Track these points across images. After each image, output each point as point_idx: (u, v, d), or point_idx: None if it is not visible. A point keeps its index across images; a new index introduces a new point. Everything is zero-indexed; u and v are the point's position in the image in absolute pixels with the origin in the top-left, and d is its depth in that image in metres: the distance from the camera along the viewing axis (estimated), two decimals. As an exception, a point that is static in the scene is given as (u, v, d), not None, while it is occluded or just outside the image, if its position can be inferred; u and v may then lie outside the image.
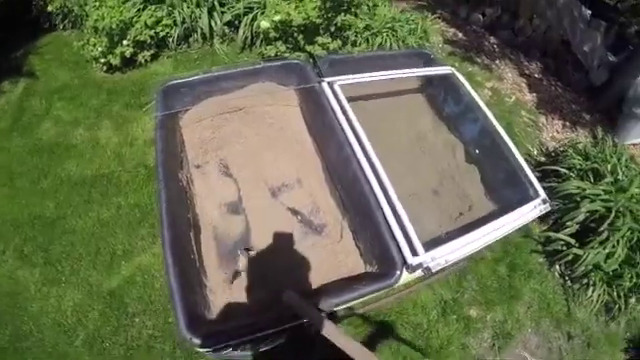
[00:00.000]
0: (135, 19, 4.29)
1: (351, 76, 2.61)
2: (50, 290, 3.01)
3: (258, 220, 2.28)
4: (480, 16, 6.20)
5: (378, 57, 3.09)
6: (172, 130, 2.37)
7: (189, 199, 2.19)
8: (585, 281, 3.41)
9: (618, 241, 3.27)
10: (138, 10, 4.39)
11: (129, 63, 4.46)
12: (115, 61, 4.25)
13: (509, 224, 2.11)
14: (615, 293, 3.29)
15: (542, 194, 2.31)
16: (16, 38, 4.83)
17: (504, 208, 2.32)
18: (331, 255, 2.16)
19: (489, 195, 2.65)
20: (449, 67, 2.95)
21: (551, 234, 3.58)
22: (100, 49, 4.16)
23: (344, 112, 2.37)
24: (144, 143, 3.80)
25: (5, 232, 3.26)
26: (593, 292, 3.34)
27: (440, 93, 3.15)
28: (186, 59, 4.68)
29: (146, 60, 4.47)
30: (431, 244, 1.94)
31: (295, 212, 2.41)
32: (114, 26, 4.01)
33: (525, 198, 2.31)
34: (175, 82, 2.39)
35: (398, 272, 1.83)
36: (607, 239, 3.29)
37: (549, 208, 2.29)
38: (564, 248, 3.52)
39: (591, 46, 5.25)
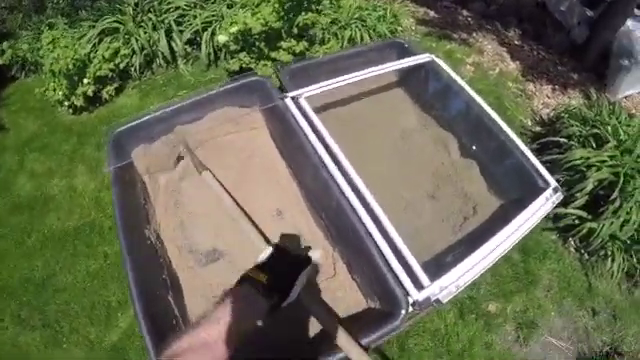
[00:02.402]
0: (92, 55, 4.15)
1: (317, 85, 2.33)
2: (53, 352, 2.93)
3: (241, 263, 2.07)
4: (450, -9, 6.04)
5: (346, 56, 2.78)
6: (131, 182, 2.15)
7: (162, 256, 1.98)
8: (603, 253, 3.29)
9: (631, 207, 3.13)
10: (93, 45, 4.26)
11: (94, 101, 4.31)
12: (79, 102, 4.09)
13: (522, 226, 1.88)
14: (635, 259, 3.17)
15: (552, 182, 2.08)
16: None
17: (514, 207, 2.07)
18: (327, 292, 1.93)
19: (494, 192, 2.38)
20: (427, 54, 2.69)
21: (561, 209, 3.40)
22: (61, 92, 4.01)
23: (314, 129, 2.09)
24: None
25: None
26: (612, 263, 3.21)
27: (422, 84, 2.86)
28: (152, 86, 4.54)
29: (111, 95, 4.32)
30: (437, 270, 1.67)
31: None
32: (71, 66, 3.84)
33: (535, 190, 2.08)
34: (124, 127, 2.15)
35: (403, 312, 1.57)
36: (620, 206, 3.15)
37: (562, 197, 2.07)
38: (576, 222, 3.37)
39: (567, 4, 5.17)
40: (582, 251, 3.44)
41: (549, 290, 3.26)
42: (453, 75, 2.60)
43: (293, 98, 2.24)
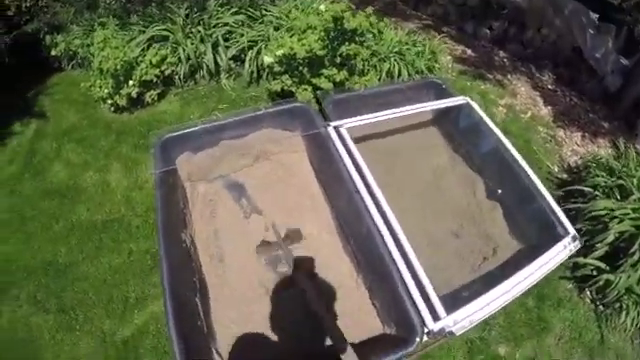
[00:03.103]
0: (140, 58, 4.30)
1: (358, 117, 2.47)
2: (64, 337, 2.95)
3: (269, 278, 2.16)
4: (487, 30, 6.13)
5: (386, 92, 2.94)
6: (173, 186, 2.28)
7: (195, 261, 2.08)
8: (618, 305, 3.25)
9: (650, 261, 3.08)
10: (142, 49, 4.42)
11: (136, 103, 4.44)
12: (122, 102, 4.24)
13: (538, 271, 1.95)
14: None
15: (571, 231, 2.16)
16: (26, 79, 4.90)
17: (532, 251, 2.15)
18: (346, 314, 2.01)
19: (514, 235, 2.47)
20: (463, 97, 2.82)
21: (580, 259, 3.38)
22: (107, 90, 4.16)
23: (352, 159, 2.23)
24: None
25: (19, 278, 3.24)
26: (627, 316, 3.18)
27: (455, 125, 2.99)
28: (193, 96, 4.65)
29: (153, 99, 4.46)
30: (453, 304, 1.77)
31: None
32: (119, 67, 4.01)
33: (554, 237, 2.15)
34: (173, 134, 2.30)
35: (418, 339, 1.68)
36: (639, 260, 3.11)
37: (579, 245, 2.13)
38: (594, 273, 3.35)
39: (603, 51, 5.15)
40: (597, 302, 3.40)
41: (560, 339, 3.23)
42: (486, 119, 2.70)
43: (335, 127, 2.38)
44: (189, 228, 2.21)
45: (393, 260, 1.85)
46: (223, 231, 2.30)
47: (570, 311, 3.36)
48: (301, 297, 2.16)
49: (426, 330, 1.70)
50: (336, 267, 2.21)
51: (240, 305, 2.05)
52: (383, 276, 1.86)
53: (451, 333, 1.69)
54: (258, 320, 2.11)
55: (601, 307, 3.38)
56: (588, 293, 3.46)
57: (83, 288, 3.18)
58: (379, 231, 1.95)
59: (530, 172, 2.44)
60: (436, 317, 1.72)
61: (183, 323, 1.70)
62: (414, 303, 1.76)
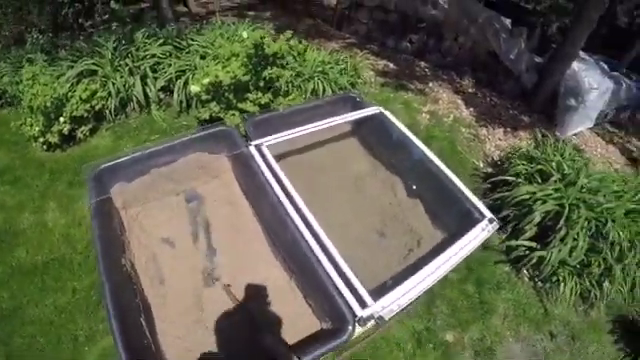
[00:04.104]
0: (70, 94, 4.25)
1: (278, 134, 2.66)
2: None
3: (209, 296, 2.25)
4: (408, 44, 6.50)
5: (304, 109, 3.12)
6: (109, 214, 2.32)
7: (136, 283, 2.12)
8: (555, 279, 3.47)
9: (578, 233, 3.34)
10: (72, 85, 4.36)
11: (68, 140, 4.38)
12: (54, 139, 4.15)
13: (459, 252, 2.15)
14: (587, 282, 3.36)
15: (487, 214, 2.38)
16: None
17: (452, 236, 2.35)
18: (286, 317, 2.16)
19: (436, 226, 2.70)
20: (376, 107, 3.07)
21: (512, 242, 3.65)
22: (37, 128, 4.07)
23: (273, 173, 2.40)
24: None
25: None
26: (565, 287, 3.39)
27: (372, 134, 3.24)
28: (125, 129, 4.64)
29: (85, 135, 4.40)
30: (380, 291, 1.94)
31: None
32: (49, 104, 3.95)
33: (471, 222, 2.36)
34: (106, 165, 2.37)
35: (350, 327, 1.83)
36: (567, 234, 3.36)
37: (497, 226, 2.35)
38: (527, 252, 3.58)
39: (516, 53, 5.58)
40: (535, 279, 3.63)
41: (505, 318, 3.40)
42: (399, 125, 2.97)
43: (256, 145, 2.54)
44: (128, 253, 2.24)
45: (319, 261, 2.02)
46: (161, 254, 2.35)
47: (510, 291, 3.56)
48: (240, 307, 2.27)
49: (357, 317, 1.85)
50: (270, 275, 2.35)
51: (183, 321, 2.11)
52: (312, 277, 2.03)
53: (380, 318, 1.84)
54: (202, 334, 2.17)
55: (539, 283, 3.61)
56: (525, 272, 3.68)
57: (30, 332, 3.07)
58: (303, 236, 2.12)
59: (444, 168, 2.68)
60: (364, 304, 1.89)
61: (130, 341, 1.72)
62: (342, 296, 1.91)
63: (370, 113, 3.04)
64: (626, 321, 3.53)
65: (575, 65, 5.12)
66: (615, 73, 5.48)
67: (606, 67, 5.49)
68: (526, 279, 3.66)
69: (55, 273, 3.39)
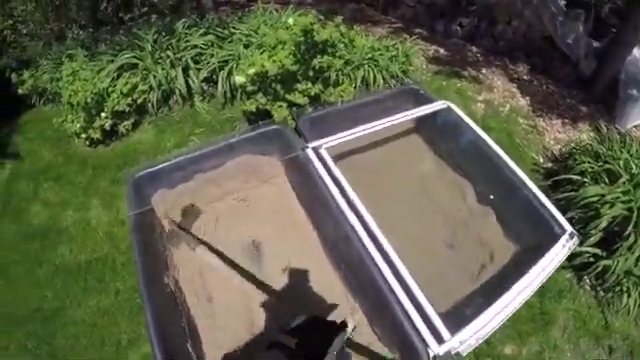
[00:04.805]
0: (110, 89, 4.20)
1: (337, 135, 2.39)
2: None
3: (263, 319, 2.06)
4: (458, 28, 6.17)
5: (364, 104, 2.85)
6: (151, 227, 2.17)
7: (181, 305, 1.97)
8: (618, 289, 3.25)
9: (646, 241, 3.08)
10: (112, 79, 4.32)
11: (111, 135, 4.34)
12: (96, 135, 4.13)
13: (540, 275, 1.87)
14: None
15: (568, 228, 2.10)
16: (-1, 118, 4.76)
17: (530, 254, 2.08)
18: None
19: (510, 238, 2.40)
20: (443, 102, 2.77)
21: (576, 248, 3.35)
22: (79, 124, 4.06)
23: (334, 180, 2.13)
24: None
25: (6, 326, 3.14)
26: (629, 298, 3.18)
27: (438, 131, 2.93)
28: (168, 123, 4.56)
29: (127, 130, 4.35)
30: (457, 322, 1.67)
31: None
32: (89, 100, 3.91)
33: (551, 237, 2.09)
34: (144, 172, 2.21)
35: None
36: (635, 242, 3.12)
37: (578, 242, 2.08)
38: (591, 260, 3.33)
39: (574, 37, 5.21)
40: (598, 289, 3.39)
41: (565, 330, 3.21)
42: (468, 121, 2.65)
43: (314, 149, 2.28)
44: (172, 269, 2.09)
45: (387, 282, 1.75)
46: (208, 269, 2.19)
47: (572, 301, 3.34)
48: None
49: (432, 354, 1.59)
50: (328, 295, 2.10)
51: (234, 346, 1.94)
52: (379, 300, 1.76)
53: (458, 355, 1.59)
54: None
55: (602, 293, 3.37)
56: (587, 280, 3.44)
57: (73, 333, 3.07)
58: (369, 253, 1.85)
59: (519, 171, 2.39)
60: (440, 340, 1.62)
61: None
62: (415, 327, 1.65)
63: (436, 109, 2.75)
64: None
65: (636, 51, 4.71)
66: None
67: None
68: (588, 288, 3.42)
69: (98, 273, 3.37)
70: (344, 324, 1.48)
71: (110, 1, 5.75)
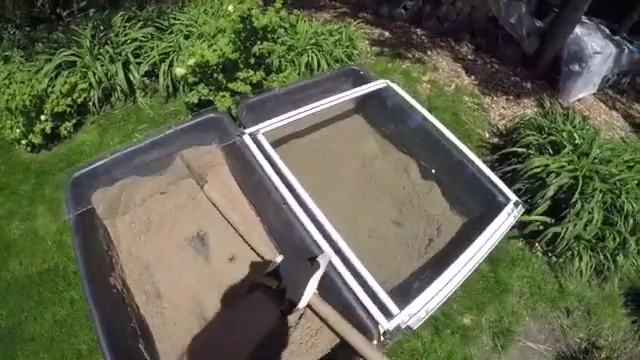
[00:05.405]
0: (49, 89, 4.03)
1: (274, 119, 2.33)
2: None
3: (212, 309, 2.03)
4: (402, 11, 6.20)
5: (303, 87, 2.78)
6: (93, 228, 2.09)
7: (129, 304, 1.91)
8: (570, 254, 3.39)
9: (592, 207, 3.25)
10: (51, 79, 4.15)
11: (52, 138, 4.18)
12: (37, 139, 3.96)
13: (487, 243, 1.91)
14: (602, 256, 3.29)
15: (513, 197, 2.14)
16: None
17: (476, 225, 2.12)
18: (303, 331, 1.90)
19: (456, 211, 2.43)
20: (382, 80, 2.76)
21: (525, 217, 3.50)
22: (19, 130, 3.88)
23: (273, 165, 2.09)
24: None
25: None
26: (580, 262, 3.32)
27: (379, 110, 2.92)
28: (110, 121, 4.43)
29: (69, 131, 4.20)
30: (405, 296, 1.67)
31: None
32: (27, 103, 3.74)
33: (495, 206, 2.13)
34: (82, 172, 2.10)
35: (375, 342, 1.56)
36: (581, 208, 3.27)
37: (523, 210, 2.13)
38: (541, 228, 3.49)
39: (517, 17, 5.33)
40: (550, 254, 3.54)
41: (521, 296, 3.34)
42: (409, 99, 2.66)
43: (251, 134, 2.24)
44: (117, 269, 2.02)
45: (333, 266, 1.74)
46: (154, 265, 2.13)
47: (525, 268, 3.48)
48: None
49: (382, 331, 1.59)
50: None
51: (185, 342, 1.90)
52: (326, 283, 1.74)
53: (409, 328, 1.59)
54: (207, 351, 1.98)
55: (554, 258, 3.52)
56: (539, 247, 3.59)
57: (33, 350, 2.97)
58: (312, 238, 1.83)
59: (462, 145, 2.41)
60: (389, 315, 1.61)
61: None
62: (363, 306, 1.64)
63: (376, 87, 2.74)
64: (639, 293, 3.48)
65: (578, 29, 4.93)
66: (617, 37, 5.29)
67: (608, 31, 5.31)
68: (540, 255, 3.57)
69: (51, 284, 3.27)
70: (316, 263, 1.53)
71: (47, -3, 5.48)
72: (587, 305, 3.34)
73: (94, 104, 4.35)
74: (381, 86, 2.72)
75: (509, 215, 2.09)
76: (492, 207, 2.15)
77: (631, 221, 3.25)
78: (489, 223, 1.99)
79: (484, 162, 2.40)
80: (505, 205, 2.12)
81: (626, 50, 5.19)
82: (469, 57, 5.64)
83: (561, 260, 3.47)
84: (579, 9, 4.68)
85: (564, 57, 5.01)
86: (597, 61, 4.85)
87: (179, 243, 2.23)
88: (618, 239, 3.23)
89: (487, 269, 3.42)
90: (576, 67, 4.87)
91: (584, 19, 5.20)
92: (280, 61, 4.09)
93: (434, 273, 1.77)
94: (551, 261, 3.52)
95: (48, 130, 3.98)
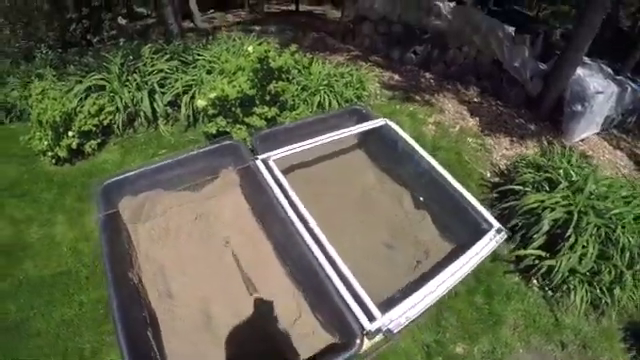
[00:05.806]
0: (78, 109, 4.31)
1: (284, 148, 2.68)
2: None
3: (218, 310, 2.25)
4: (412, 55, 6.51)
5: (311, 122, 3.18)
6: (117, 229, 2.35)
7: (143, 298, 2.13)
8: (565, 287, 3.42)
9: (587, 240, 3.30)
10: (80, 99, 4.44)
11: (77, 154, 4.42)
12: (62, 153, 4.21)
13: (468, 263, 2.14)
14: (598, 290, 3.30)
15: (495, 224, 2.36)
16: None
17: (460, 247, 2.35)
18: (295, 332, 2.16)
19: (444, 237, 2.70)
20: (382, 119, 3.09)
21: (520, 251, 3.60)
22: (46, 142, 4.13)
23: (281, 187, 2.41)
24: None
25: None
26: (575, 295, 3.33)
27: (378, 146, 3.28)
28: (133, 144, 4.67)
29: (93, 149, 4.45)
30: (388, 304, 1.97)
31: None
32: (57, 118, 4.00)
33: (479, 232, 2.35)
34: (113, 180, 2.41)
35: (358, 341, 1.85)
36: (576, 241, 3.32)
37: (505, 236, 2.33)
38: (536, 262, 3.52)
39: (521, 61, 5.52)
40: (545, 289, 3.56)
41: (515, 329, 3.35)
42: (405, 136, 2.98)
43: (263, 160, 2.56)
44: (135, 267, 2.25)
45: (327, 275, 2.05)
46: (168, 268, 2.36)
47: (520, 301, 3.50)
48: (249, 323, 2.28)
49: (365, 331, 1.86)
50: (279, 290, 2.35)
51: (191, 337, 2.10)
52: (320, 290, 2.06)
53: (389, 331, 1.85)
54: (211, 350, 2.16)
55: (550, 292, 3.54)
56: (535, 282, 3.61)
57: (37, 344, 3.06)
58: (311, 251, 2.13)
59: (450, 178, 2.68)
60: (372, 318, 1.90)
61: (137, 354, 1.73)
62: (350, 310, 1.94)
63: (376, 125, 3.06)
64: (638, 328, 3.46)
65: (580, 70, 5.09)
66: (619, 77, 5.43)
67: (610, 71, 5.46)
68: (536, 288, 3.60)
69: (62, 286, 3.40)
70: None
71: (79, 23, 5.86)
72: (583, 339, 3.33)
73: (118, 127, 4.61)
74: (380, 124, 3.05)
75: (491, 240, 2.28)
76: (476, 233, 2.36)
77: (628, 255, 3.28)
78: (470, 247, 2.20)
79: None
80: (488, 231, 2.32)
81: (629, 89, 5.33)
82: (474, 99, 5.81)
83: (557, 294, 3.49)
84: (580, 50, 4.87)
85: (567, 98, 5.15)
86: (599, 100, 4.97)
87: (193, 251, 2.45)
88: (614, 273, 3.26)
89: (481, 301, 3.46)
90: (579, 107, 4.99)
91: (586, 60, 5.36)
92: (294, 99, 4.34)
93: (415, 287, 2.00)
94: (547, 295, 3.53)
95: (74, 146, 4.24)
